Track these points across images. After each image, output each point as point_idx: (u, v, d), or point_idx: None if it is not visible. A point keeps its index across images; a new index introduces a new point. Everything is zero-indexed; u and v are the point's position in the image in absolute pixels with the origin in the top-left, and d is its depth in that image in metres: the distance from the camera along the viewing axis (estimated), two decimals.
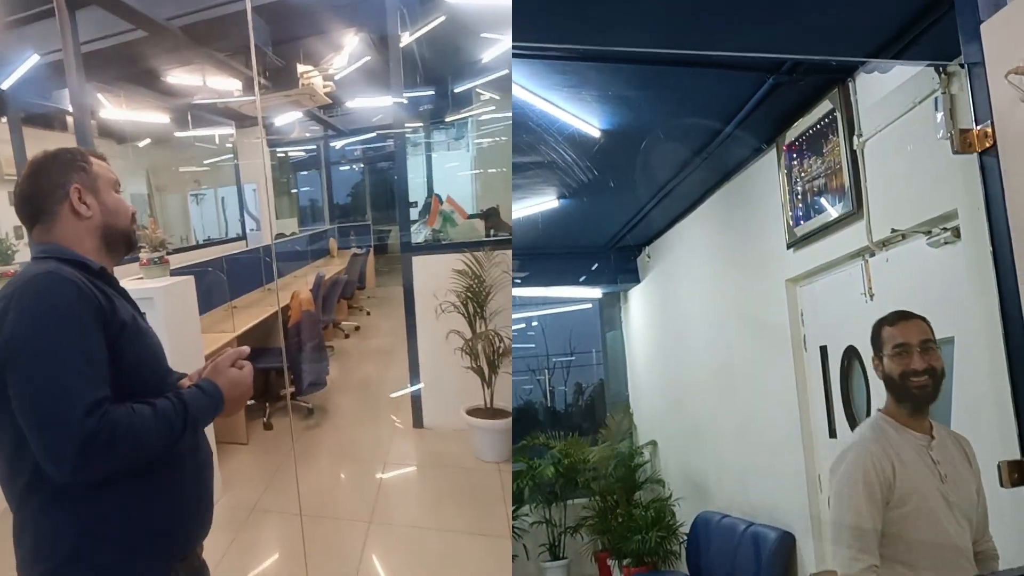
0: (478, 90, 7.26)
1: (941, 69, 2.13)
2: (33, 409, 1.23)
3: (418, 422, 4.91)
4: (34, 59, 5.80)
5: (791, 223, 3.16)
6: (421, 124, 7.78)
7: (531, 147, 3.22)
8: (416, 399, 4.92)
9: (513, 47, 2.08)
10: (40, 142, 6.06)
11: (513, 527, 3.70)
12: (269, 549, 3.44)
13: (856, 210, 2.68)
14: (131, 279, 3.71)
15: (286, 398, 5.25)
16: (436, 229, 5.55)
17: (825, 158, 2.87)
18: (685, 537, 4.33)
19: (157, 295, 3.43)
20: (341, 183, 11.94)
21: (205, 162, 9.51)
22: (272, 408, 5.13)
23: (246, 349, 1.56)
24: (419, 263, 4.90)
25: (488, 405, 4.43)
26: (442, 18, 5.47)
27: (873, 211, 2.64)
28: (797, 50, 2.38)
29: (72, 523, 1.32)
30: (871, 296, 2.71)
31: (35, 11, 5.36)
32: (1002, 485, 1.78)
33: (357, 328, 8.31)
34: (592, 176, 3.50)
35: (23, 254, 4.98)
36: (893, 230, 2.49)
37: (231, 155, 9.13)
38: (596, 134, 3.13)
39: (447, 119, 8.08)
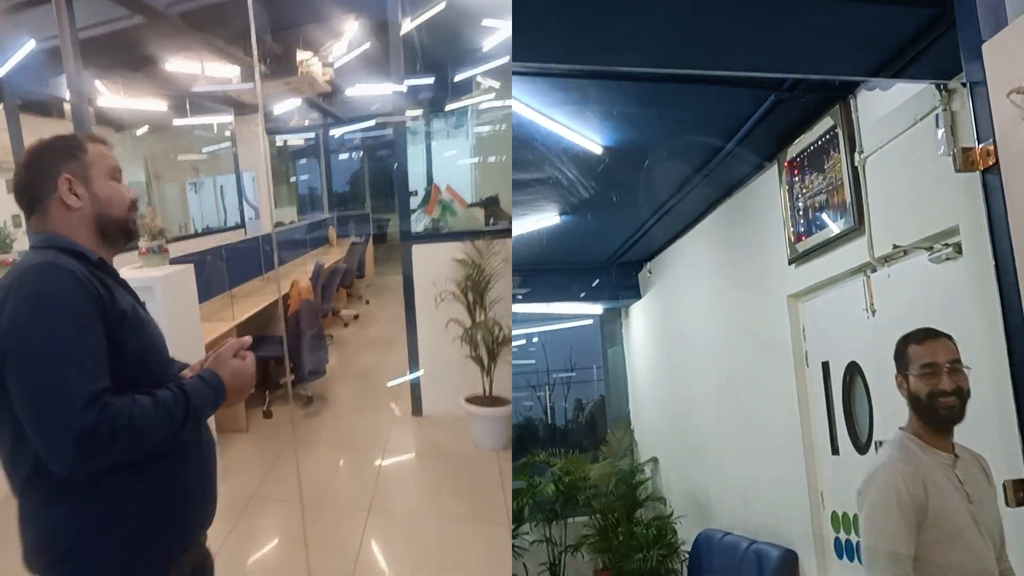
0: (478, 78, 7.23)
1: (942, 86, 2.15)
2: (32, 402, 1.24)
3: (417, 410, 4.94)
4: (31, 45, 5.78)
5: (792, 239, 3.18)
6: (421, 112, 7.76)
7: (533, 164, 3.24)
8: (415, 387, 4.95)
9: (514, 66, 2.09)
10: (37, 129, 6.05)
11: (513, 546, 3.72)
12: (269, 537, 3.48)
13: (857, 226, 2.69)
14: (130, 268, 3.73)
15: (286, 386, 5.27)
16: (435, 218, 5.55)
17: (826, 174, 2.89)
18: (687, 555, 4.32)
19: (156, 284, 3.45)
20: (340, 172, 11.94)
21: (204, 150, 9.49)
22: (272, 396, 5.16)
23: (248, 340, 1.56)
24: (419, 252, 4.91)
25: (487, 393, 4.45)
26: (443, 5, 5.46)
27: (875, 227, 2.65)
28: (798, 68, 2.39)
29: (74, 515, 1.32)
30: (873, 312, 2.72)
31: None
32: (1007, 505, 1.78)
33: (356, 317, 8.34)
34: (594, 192, 3.53)
35: (22, 242, 4.99)
36: (895, 246, 2.50)
37: (230, 143, 9.11)
38: (598, 151, 3.14)
39: (447, 107, 8.06)
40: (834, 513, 3.07)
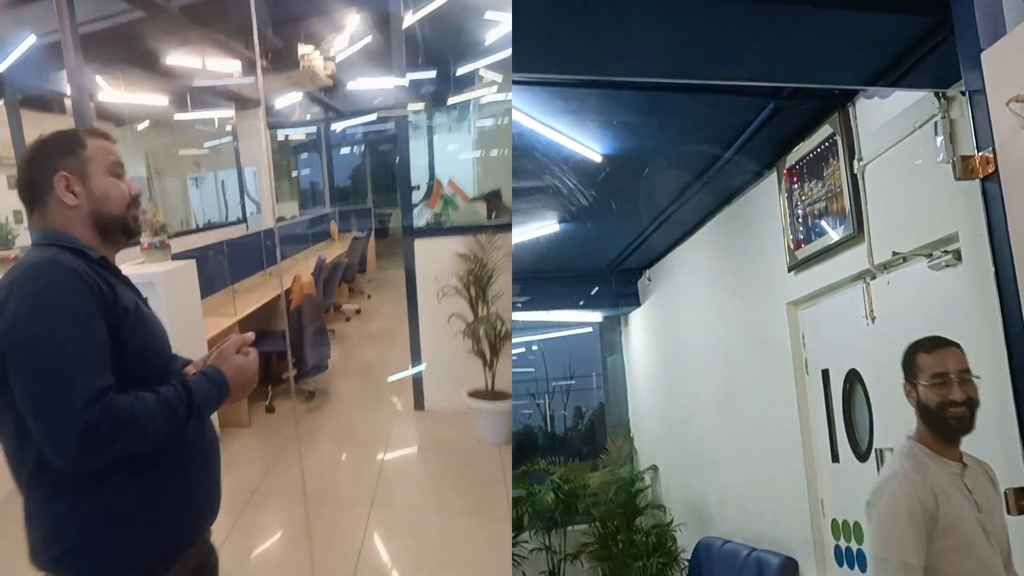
0: (481, 71, 7.23)
1: (940, 94, 2.17)
2: (34, 400, 1.25)
3: (419, 405, 4.97)
4: (31, 40, 5.79)
5: (792, 246, 3.19)
6: (423, 106, 7.76)
7: (532, 172, 3.26)
8: (417, 382, 4.97)
9: (513, 76, 2.11)
10: (38, 124, 6.08)
11: (513, 554, 3.73)
12: (272, 531, 3.51)
13: (857, 233, 2.71)
14: (132, 263, 3.75)
15: (288, 381, 5.30)
16: (437, 213, 5.56)
17: (826, 182, 2.90)
18: (687, 563, 4.33)
19: (158, 280, 3.48)
20: (342, 166, 11.93)
21: (205, 145, 9.51)
22: (274, 391, 5.18)
23: (251, 336, 1.57)
24: (421, 247, 4.94)
25: (490, 388, 4.47)
26: None
27: (874, 234, 2.66)
28: (797, 77, 2.42)
29: (78, 512, 1.33)
30: (872, 319, 2.73)
31: None
32: (1008, 513, 1.79)
33: (358, 311, 8.36)
34: (593, 200, 3.55)
35: (24, 238, 5.02)
36: (894, 253, 2.51)
37: (231, 138, 9.13)
38: (597, 159, 3.16)
39: (449, 101, 8.06)
40: (834, 521, 3.07)
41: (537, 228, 4.07)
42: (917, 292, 2.48)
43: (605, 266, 5.28)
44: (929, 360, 1.85)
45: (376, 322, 8.06)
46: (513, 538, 3.80)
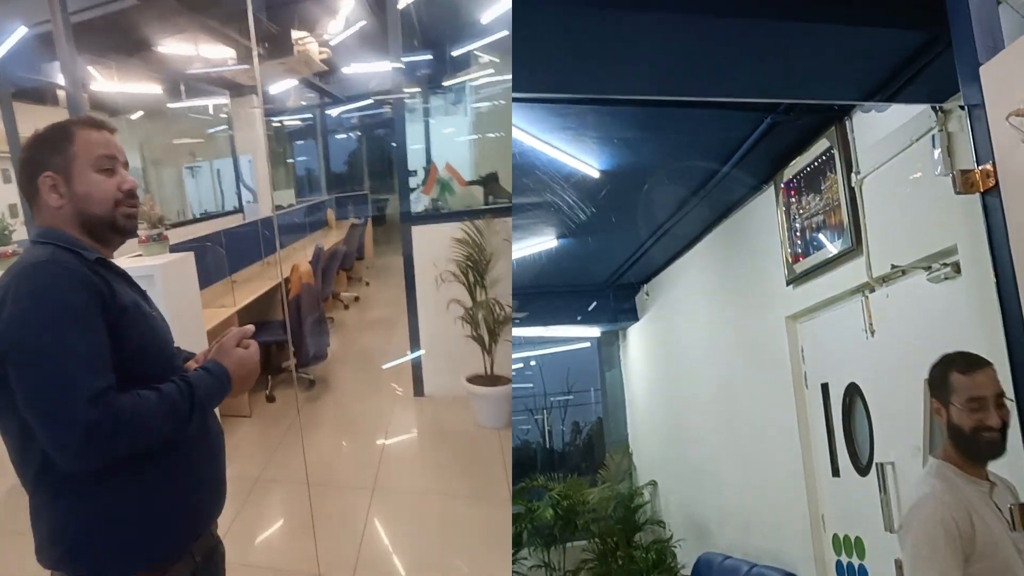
0: (476, 53, 7.22)
1: (937, 108, 2.19)
2: (36, 402, 1.26)
3: (419, 391, 5.04)
4: (22, 31, 5.81)
5: (790, 260, 3.21)
6: (419, 89, 7.76)
7: (531, 188, 3.30)
8: (417, 368, 5.04)
9: (513, 94, 2.12)
10: (32, 117, 6.11)
11: (512, 571, 3.77)
12: (275, 519, 3.60)
13: (855, 246, 2.73)
14: (130, 256, 3.80)
15: (288, 370, 5.39)
16: (434, 198, 5.61)
17: (823, 195, 2.93)
18: None
19: (157, 272, 3.53)
20: (337, 152, 11.93)
21: (200, 133, 9.53)
22: (274, 381, 5.27)
23: (251, 328, 1.57)
24: (418, 233, 4.98)
25: (489, 372, 4.55)
26: None
27: (872, 247, 2.68)
28: (794, 92, 2.43)
29: (84, 508, 1.35)
30: (872, 332, 2.74)
31: None
32: (1013, 529, 1.78)
33: (356, 299, 8.43)
34: (591, 216, 3.59)
35: (21, 233, 5.08)
36: (893, 266, 2.53)
37: (226, 126, 9.15)
38: (595, 175, 3.19)
39: (445, 83, 8.05)
40: (835, 536, 3.09)
41: (536, 244, 4.13)
42: (916, 305, 2.49)
43: (603, 281, 5.33)
44: (965, 382, 1.78)
45: (375, 309, 8.13)
46: (513, 555, 3.85)
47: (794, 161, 3.12)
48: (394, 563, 3.16)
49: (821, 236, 2.97)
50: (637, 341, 5.60)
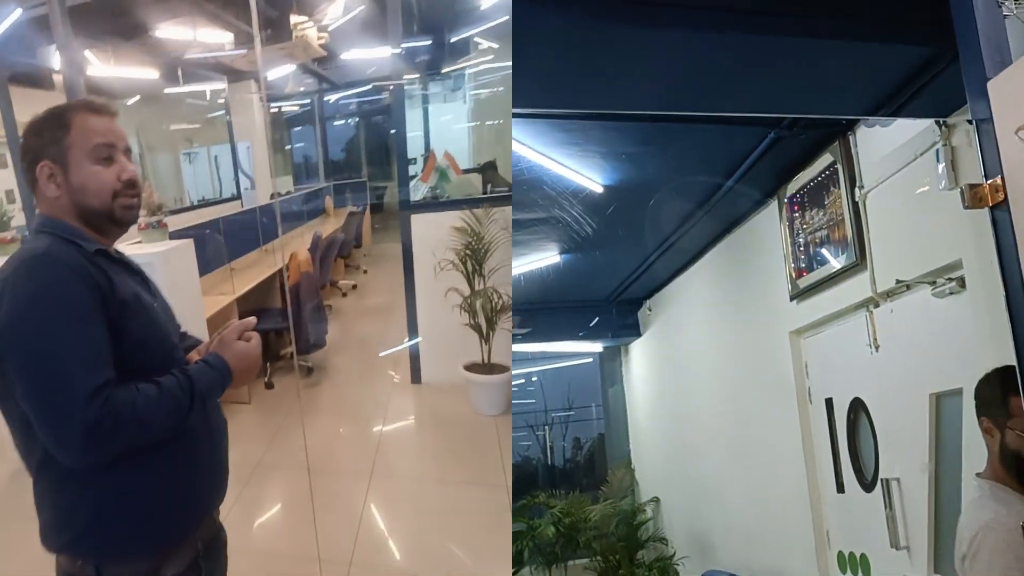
0: (476, 39, 7.24)
1: (941, 122, 2.21)
2: (35, 400, 1.27)
3: (416, 378, 5.13)
4: (17, 14, 5.83)
5: (794, 275, 3.21)
6: (418, 76, 7.77)
7: (534, 204, 3.32)
8: (414, 356, 5.12)
9: (514, 109, 2.14)
10: (29, 101, 6.15)
11: None
12: (274, 503, 3.69)
13: (859, 261, 2.74)
14: (129, 243, 3.86)
15: (287, 358, 5.47)
16: (433, 186, 5.66)
17: (827, 210, 2.93)
18: None
19: (156, 260, 3.59)
20: (335, 138, 11.94)
21: (197, 119, 9.55)
22: (273, 368, 5.35)
23: (252, 321, 1.57)
24: (417, 221, 5.03)
25: (486, 361, 4.63)
26: None
27: (877, 262, 2.68)
28: (799, 106, 2.44)
29: (86, 497, 1.37)
30: (876, 347, 2.74)
31: None
32: None
33: (354, 287, 8.49)
34: (594, 231, 3.60)
35: (20, 219, 5.15)
36: (897, 281, 2.53)
37: (223, 112, 9.17)
38: (599, 190, 3.22)
39: (444, 70, 8.06)
40: (840, 553, 3.07)
41: (538, 259, 4.16)
42: (921, 320, 2.49)
43: (605, 297, 5.36)
44: None
45: (373, 297, 8.20)
46: (514, 573, 3.89)
47: (797, 176, 3.13)
48: (391, 548, 3.25)
49: (825, 251, 2.98)
50: (639, 356, 5.62)
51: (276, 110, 10.45)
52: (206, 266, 5.17)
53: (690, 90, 2.24)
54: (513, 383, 4.83)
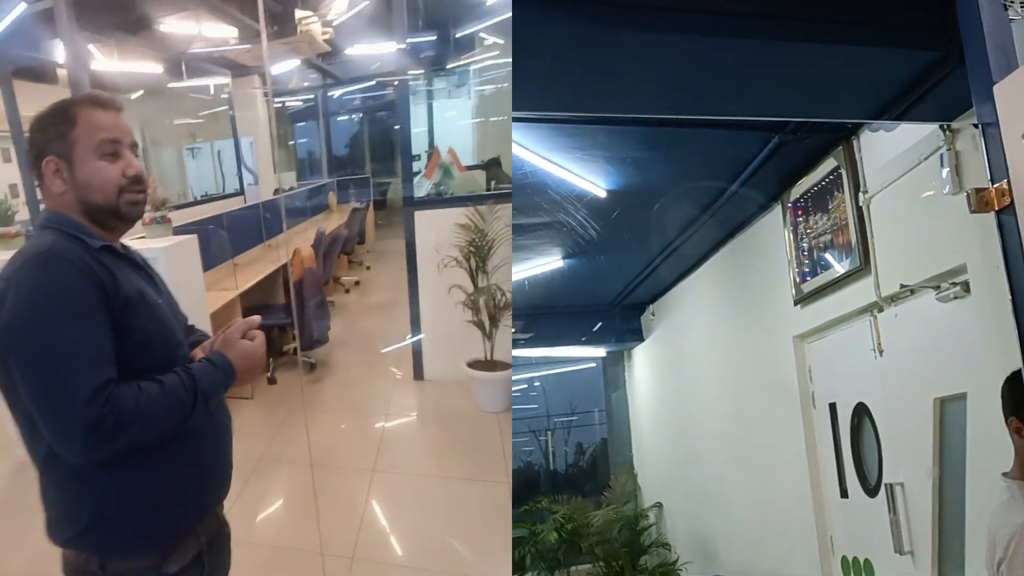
0: (481, 34, 7.25)
1: (945, 127, 2.23)
2: (37, 398, 1.29)
3: (419, 375, 5.16)
4: (21, 7, 5.87)
5: (798, 279, 3.24)
6: (422, 71, 7.78)
7: (538, 208, 3.34)
8: (417, 353, 5.15)
9: (516, 113, 2.15)
10: (32, 95, 6.19)
11: None
12: (276, 498, 3.73)
13: (863, 266, 2.76)
14: (134, 238, 3.90)
15: (289, 353, 5.51)
16: (436, 182, 5.69)
17: (831, 215, 2.96)
18: None
19: (161, 255, 3.60)
20: (339, 134, 11.97)
21: (200, 114, 9.59)
22: (275, 363, 5.39)
23: (257, 319, 1.57)
24: (421, 217, 5.06)
25: (489, 358, 4.66)
26: None
27: (881, 267, 2.70)
28: (802, 111, 2.45)
29: (91, 492, 1.39)
30: (880, 352, 2.76)
31: None
32: None
33: (357, 283, 8.54)
34: (597, 236, 3.62)
35: (24, 213, 5.19)
36: (902, 285, 2.55)
37: (227, 107, 9.20)
38: (602, 194, 3.24)
39: (448, 65, 8.07)
40: (844, 558, 3.10)
41: (541, 264, 4.20)
42: (925, 324, 2.51)
43: (609, 302, 5.39)
44: None
45: (375, 294, 8.23)
46: None
47: (801, 180, 3.16)
48: (392, 543, 3.29)
49: (828, 256, 3.00)
50: (642, 361, 5.65)
51: (280, 105, 10.48)
52: (209, 262, 5.21)
53: (693, 94, 2.25)
54: (515, 388, 4.86)
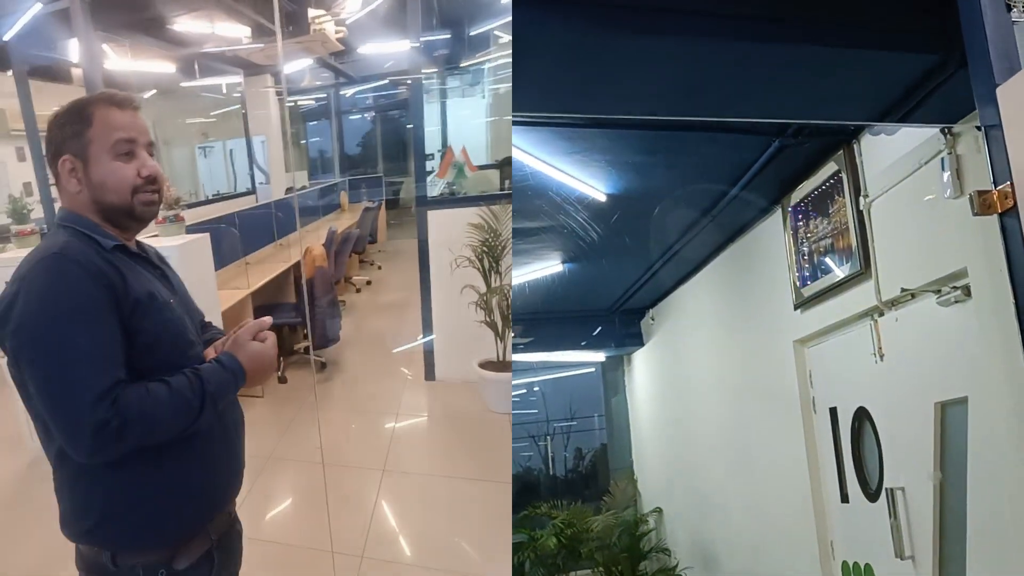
0: (496, 32, 7.27)
1: (946, 130, 2.24)
2: (45, 399, 1.32)
3: (430, 375, 5.21)
4: (36, 8, 5.98)
5: (798, 284, 3.25)
6: (436, 70, 7.80)
7: (538, 212, 3.36)
8: (428, 353, 5.19)
9: (515, 116, 2.17)
10: (47, 95, 6.29)
11: None
12: (286, 495, 3.79)
13: (864, 270, 2.76)
14: (147, 237, 3.96)
15: (300, 352, 5.58)
16: (450, 182, 5.72)
17: (831, 219, 2.96)
18: None
19: (174, 254, 3.68)
20: (351, 133, 12.03)
21: (212, 113, 9.67)
22: (286, 362, 5.46)
23: (268, 320, 1.58)
24: (434, 217, 5.10)
25: (500, 358, 4.70)
26: None
27: (881, 271, 2.70)
28: (803, 113, 2.46)
29: (102, 488, 1.42)
30: (881, 356, 2.76)
31: None
32: None
33: (368, 283, 8.61)
34: (597, 240, 3.64)
35: (39, 211, 5.28)
36: (902, 289, 2.55)
37: (239, 105, 9.28)
38: (602, 198, 3.25)
39: (462, 64, 8.10)
40: (845, 563, 3.09)
41: (541, 268, 4.21)
42: (926, 328, 2.51)
43: (608, 306, 5.40)
44: None
45: (387, 293, 8.30)
46: None
47: (802, 185, 3.16)
48: (401, 542, 3.34)
49: (829, 260, 3.01)
50: (642, 366, 5.66)
51: (292, 104, 10.54)
52: (221, 260, 5.28)
53: (693, 96, 2.26)
54: (515, 393, 4.87)
